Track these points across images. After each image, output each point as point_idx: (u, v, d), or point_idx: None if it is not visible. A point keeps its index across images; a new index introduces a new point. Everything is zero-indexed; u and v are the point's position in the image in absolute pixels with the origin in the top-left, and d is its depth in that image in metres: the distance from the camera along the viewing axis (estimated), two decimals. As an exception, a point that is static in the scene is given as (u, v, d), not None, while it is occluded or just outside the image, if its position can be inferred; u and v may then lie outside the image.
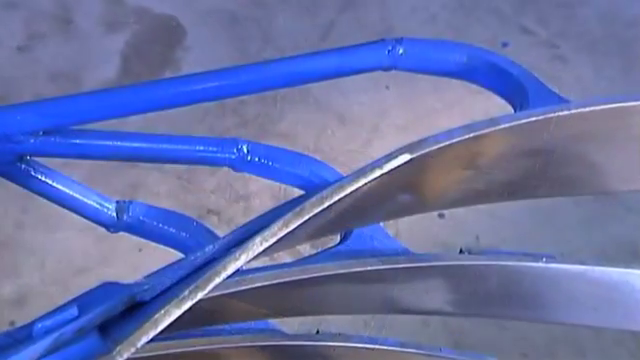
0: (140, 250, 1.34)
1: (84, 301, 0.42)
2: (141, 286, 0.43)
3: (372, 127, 1.59)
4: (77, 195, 0.56)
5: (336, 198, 0.43)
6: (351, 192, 0.44)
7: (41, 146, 0.54)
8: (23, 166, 0.54)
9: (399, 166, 0.44)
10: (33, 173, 0.55)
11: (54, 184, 0.55)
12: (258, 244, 0.42)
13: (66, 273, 1.36)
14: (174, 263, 0.45)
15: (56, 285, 1.34)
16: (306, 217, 0.43)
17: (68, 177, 0.56)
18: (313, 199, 0.43)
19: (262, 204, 1.44)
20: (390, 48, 0.57)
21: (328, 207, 0.43)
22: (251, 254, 0.42)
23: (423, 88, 1.61)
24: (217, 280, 0.41)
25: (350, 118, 1.61)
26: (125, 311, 0.42)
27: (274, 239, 0.42)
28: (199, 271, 0.43)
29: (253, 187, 1.47)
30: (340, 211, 0.44)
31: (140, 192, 1.46)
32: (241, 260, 0.42)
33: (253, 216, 0.46)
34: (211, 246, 0.45)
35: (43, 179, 0.55)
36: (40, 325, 0.41)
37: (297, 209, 0.43)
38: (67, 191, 0.55)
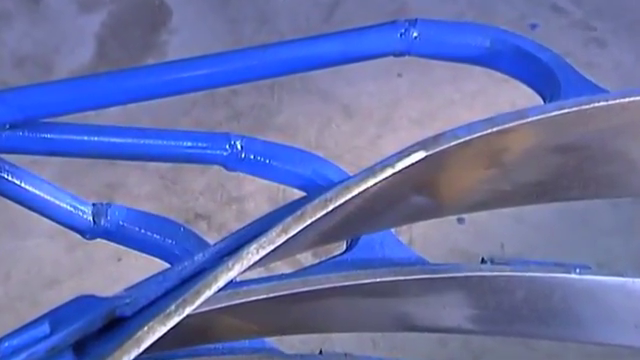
0: (119, 259, 1.34)
1: (57, 316, 0.42)
2: (122, 300, 0.43)
3: (382, 120, 1.59)
4: (48, 197, 0.56)
5: (341, 200, 0.43)
6: (358, 194, 0.44)
7: (7, 141, 0.54)
8: (-13, 164, 0.55)
9: (413, 164, 0.44)
10: (-2, 172, 0.55)
11: (22, 184, 0.55)
12: (253, 252, 0.42)
13: (35, 285, 1.36)
14: (158, 274, 0.45)
15: (23, 299, 1.34)
16: (308, 222, 0.43)
17: (37, 176, 0.56)
18: (316, 202, 0.43)
19: (258, 207, 1.44)
20: (403, 31, 0.57)
21: (332, 210, 0.43)
22: (246, 264, 0.42)
23: (440, 76, 1.62)
24: (207, 293, 0.41)
25: (357, 110, 1.61)
26: (103, 328, 0.42)
27: (271, 247, 0.42)
28: (187, 283, 0.43)
29: (248, 188, 1.47)
30: (346, 215, 0.44)
31: (119, 193, 1.46)
32: (234, 271, 0.42)
33: (248, 221, 0.46)
34: (200, 255, 0.45)
35: (9, 179, 0.55)
36: (7, 344, 0.41)
37: (297, 213, 0.43)
38: (37, 192, 0.56)
